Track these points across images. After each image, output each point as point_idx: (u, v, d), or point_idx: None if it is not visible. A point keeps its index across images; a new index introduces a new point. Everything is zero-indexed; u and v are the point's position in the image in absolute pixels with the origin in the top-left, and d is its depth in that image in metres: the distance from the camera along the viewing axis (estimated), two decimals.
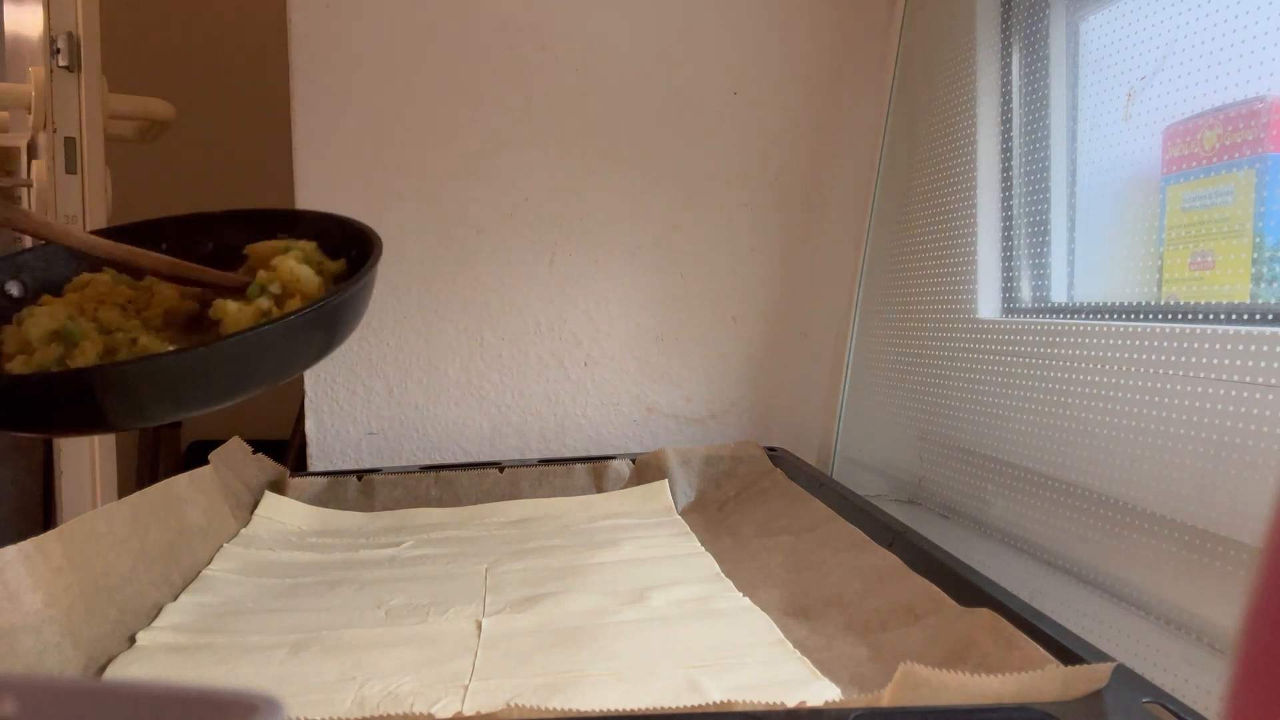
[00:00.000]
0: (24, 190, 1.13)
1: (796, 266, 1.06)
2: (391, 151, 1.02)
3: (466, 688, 0.50)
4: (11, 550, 0.53)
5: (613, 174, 1.03)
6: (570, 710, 0.38)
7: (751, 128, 1.04)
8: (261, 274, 0.62)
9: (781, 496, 0.83)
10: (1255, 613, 0.16)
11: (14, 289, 0.66)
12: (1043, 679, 0.38)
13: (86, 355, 0.59)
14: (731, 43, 1.03)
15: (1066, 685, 0.38)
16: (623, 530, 0.81)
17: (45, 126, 0.94)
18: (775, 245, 1.06)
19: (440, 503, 0.92)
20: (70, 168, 0.95)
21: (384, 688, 0.51)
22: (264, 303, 0.61)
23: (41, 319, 0.60)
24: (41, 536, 0.56)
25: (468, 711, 0.43)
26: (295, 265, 0.62)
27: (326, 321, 0.61)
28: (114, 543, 0.63)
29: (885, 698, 0.38)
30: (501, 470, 0.94)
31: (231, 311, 0.60)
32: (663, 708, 0.41)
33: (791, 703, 0.40)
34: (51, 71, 0.93)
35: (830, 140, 1.05)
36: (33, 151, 1.07)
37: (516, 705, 0.39)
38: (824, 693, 0.48)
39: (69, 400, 0.56)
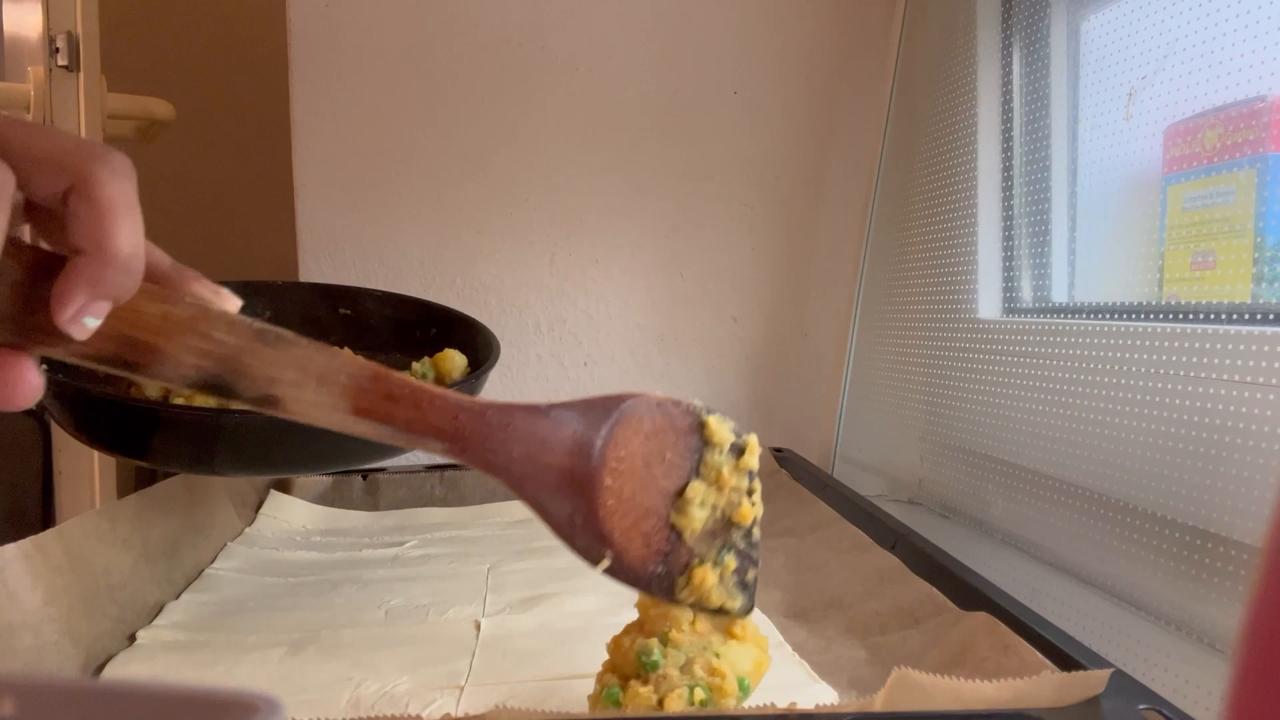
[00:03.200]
0: None
1: (796, 266, 1.06)
2: (391, 152, 1.02)
3: (462, 688, 0.50)
4: (11, 548, 0.53)
5: (613, 174, 1.03)
6: (561, 713, 0.37)
7: (751, 128, 1.04)
8: (417, 365, 0.74)
9: (786, 498, 0.83)
10: (1255, 613, 0.16)
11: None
12: (1037, 685, 0.38)
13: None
14: (731, 43, 1.03)
15: (1062, 691, 0.38)
16: None
17: None
18: (775, 245, 1.06)
19: (445, 502, 0.92)
20: None
21: (380, 688, 0.51)
22: None
23: None
24: (41, 535, 0.56)
25: (459, 713, 0.43)
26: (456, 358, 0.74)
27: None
28: (116, 541, 0.63)
29: (878, 702, 0.38)
30: None
31: None
32: (654, 709, 0.41)
33: (788, 705, 0.39)
34: (51, 71, 0.93)
35: (830, 140, 1.05)
36: None
37: (504, 707, 0.39)
38: (821, 695, 0.48)
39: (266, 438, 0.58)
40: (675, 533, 0.43)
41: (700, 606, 0.43)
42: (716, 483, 0.43)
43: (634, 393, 0.42)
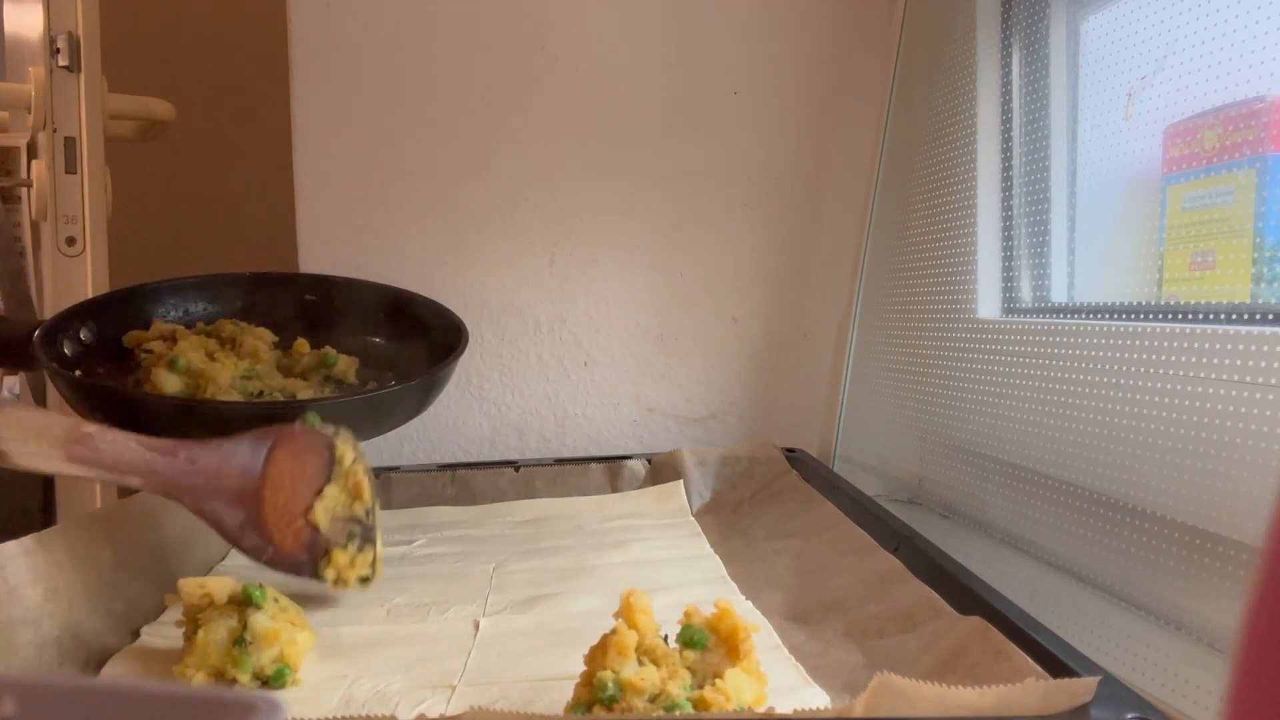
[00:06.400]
0: (24, 190, 1.13)
1: (796, 267, 1.06)
2: (391, 151, 1.02)
3: (454, 688, 0.50)
4: (11, 545, 0.53)
5: (613, 174, 1.03)
6: (539, 714, 0.37)
7: (751, 128, 1.04)
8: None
9: (795, 499, 0.82)
10: (1255, 613, 0.16)
11: (84, 335, 0.76)
12: (1023, 692, 0.37)
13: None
14: (731, 43, 1.03)
15: (1048, 699, 0.37)
16: (634, 531, 0.80)
17: (45, 126, 0.94)
18: (775, 245, 1.06)
19: (456, 501, 0.92)
20: (70, 168, 0.95)
21: (373, 686, 0.51)
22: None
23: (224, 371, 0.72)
24: (43, 532, 0.56)
25: (450, 713, 0.43)
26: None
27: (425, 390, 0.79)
28: (124, 538, 0.63)
29: (858, 708, 0.37)
30: (517, 469, 0.94)
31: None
32: (620, 713, 0.41)
33: (783, 709, 0.39)
34: (51, 71, 0.93)
35: (830, 140, 1.05)
36: (32, 151, 1.07)
37: (479, 708, 0.39)
38: (814, 699, 0.47)
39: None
40: (314, 527, 0.60)
41: (340, 582, 0.61)
42: (345, 486, 0.62)
43: (283, 427, 0.60)
